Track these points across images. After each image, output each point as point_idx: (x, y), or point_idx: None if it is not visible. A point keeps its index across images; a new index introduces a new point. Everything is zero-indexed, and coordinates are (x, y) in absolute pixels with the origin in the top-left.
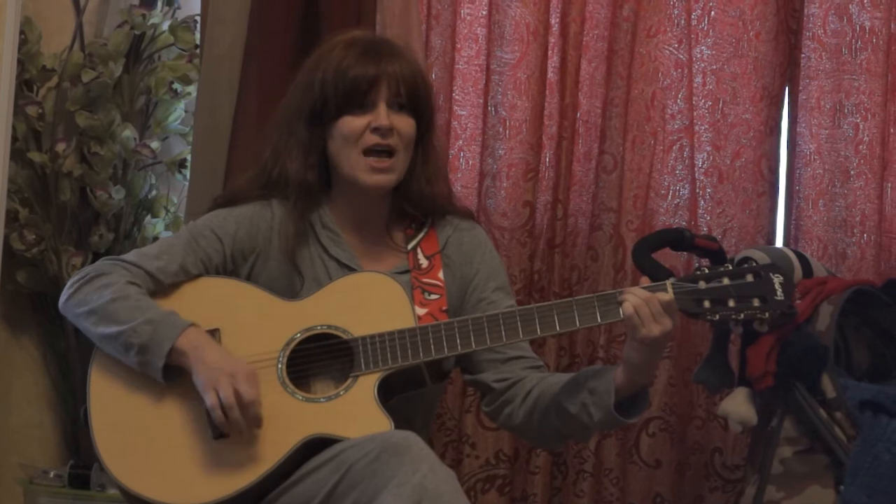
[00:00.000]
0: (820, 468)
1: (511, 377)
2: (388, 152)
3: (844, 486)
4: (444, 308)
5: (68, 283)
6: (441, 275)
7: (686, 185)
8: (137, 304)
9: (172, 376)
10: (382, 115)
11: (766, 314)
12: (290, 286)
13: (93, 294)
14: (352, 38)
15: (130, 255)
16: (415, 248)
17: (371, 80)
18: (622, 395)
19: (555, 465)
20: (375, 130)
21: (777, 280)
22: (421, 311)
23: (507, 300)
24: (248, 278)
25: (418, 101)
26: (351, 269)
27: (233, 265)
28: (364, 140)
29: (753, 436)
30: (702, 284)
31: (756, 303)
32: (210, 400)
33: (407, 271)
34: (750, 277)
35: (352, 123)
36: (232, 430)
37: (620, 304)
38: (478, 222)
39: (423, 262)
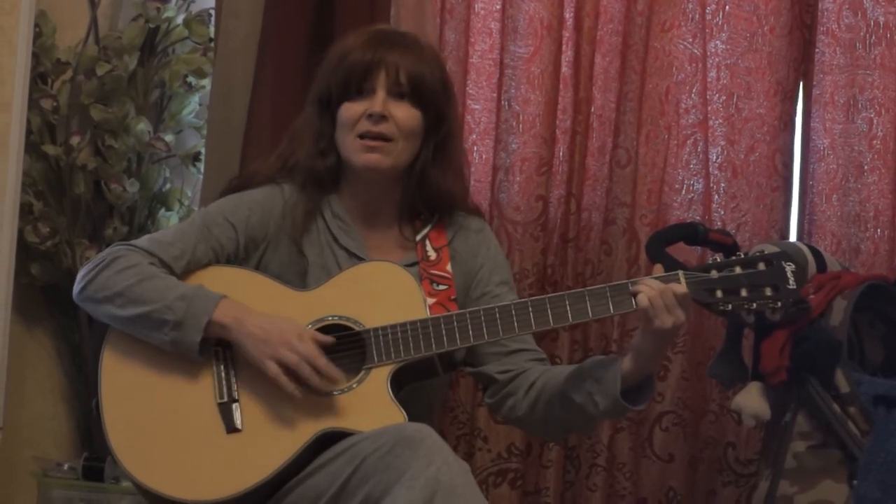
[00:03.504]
0: (833, 463)
1: (514, 369)
2: (383, 139)
3: (858, 480)
4: (452, 297)
5: (82, 272)
6: (449, 267)
7: (700, 180)
8: (165, 283)
9: (205, 352)
10: (378, 102)
11: (779, 303)
12: (301, 273)
13: (114, 277)
14: (367, 28)
15: (143, 242)
16: (423, 240)
17: (367, 66)
18: (628, 382)
19: (567, 458)
20: (369, 117)
21: (789, 269)
22: (430, 300)
23: (510, 295)
24: (259, 264)
25: (421, 91)
26: (360, 259)
27: (244, 253)
28: (359, 126)
29: (767, 430)
30: (714, 274)
31: (768, 292)
32: (272, 370)
33: (415, 263)
34: (762, 266)
35: (350, 110)
36: (308, 386)
37: (634, 295)
38: (487, 222)
39: (432, 254)
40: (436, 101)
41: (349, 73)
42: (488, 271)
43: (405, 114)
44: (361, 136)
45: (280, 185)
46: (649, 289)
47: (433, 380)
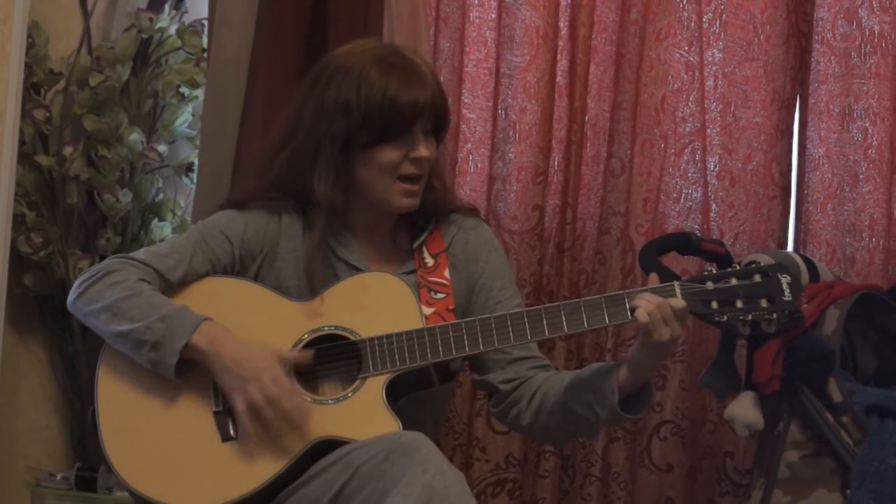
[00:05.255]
0: (826, 472)
1: (517, 378)
2: (420, 179)
3: (851, 490)
4: (450, 307)
5: (77, 281)
6: (447, 273)
7: (698, 189)
8: (150, 301)
9: (183, 373)
10: (421, 147)
11: (774, 315)
12: (298, 287)
13: (104, 291)
14: (381, 55)
15: (140, 254)
16: (420, 248)
17: (419, 111)
18: (626, 391)
19: (563, 468)
20: (414, 161)
21: (785, 280)
22: (428, 310)
23: (514, 298)
24: (256, 279)
25: (443, 127)
26: (358, 270)
27: (241, 266)
28: (401, 169)
29: (760, 440)
30: (709, 285)
31: (764, 303)
32: (239, 408)
33: (413, 271)
34: (758, 278)
35: (390, 154)
36: (265, 428)
37: (632, 310)
38: (482, 219)
39: (429, 261)
40: (447, 130)
41: (400, 118)
42: (490, 276)
43: (432, 149)
44: (401, 178)
45: (277, 208)
46: (647, 303)
47: (431, 391)
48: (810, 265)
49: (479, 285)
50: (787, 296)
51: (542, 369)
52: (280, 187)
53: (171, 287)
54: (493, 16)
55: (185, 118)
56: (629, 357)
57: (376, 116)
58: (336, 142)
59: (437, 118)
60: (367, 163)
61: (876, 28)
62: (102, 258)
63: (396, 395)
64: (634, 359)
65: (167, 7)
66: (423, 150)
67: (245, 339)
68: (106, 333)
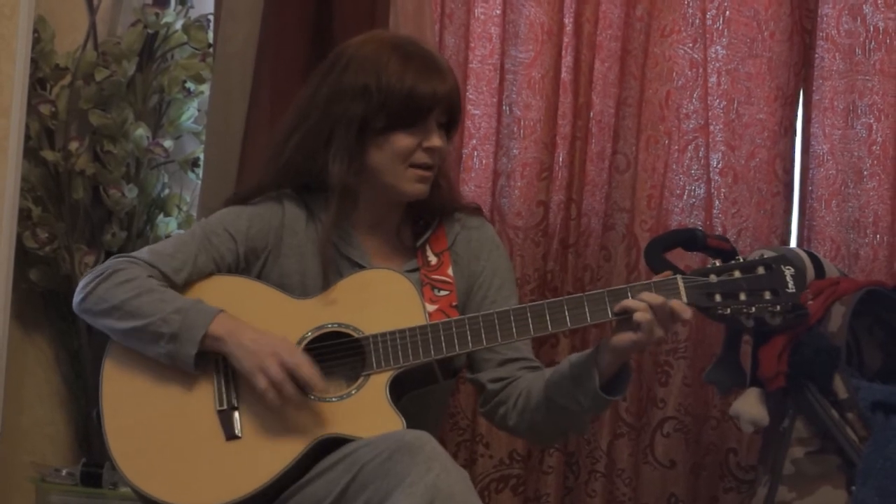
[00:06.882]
0: (832, 469)
1: (507, 377)
2: (432, 168)
3: (856, 486)
4: (453, 304)
5: (82, 283)
6: (450, 271)
7: (702, 185)
8: (163, 296)
9: (199, 365)
10: (435, 137)
11: (778, 307)
12: (303, 283)
13: (113, 290)
14: (399, 44)
15: (144, 254)
16: (423, 246)
17: (438, 100)
18: (606, 376)
19: (567, 465)
20: (427, 150)
21: (788, 272)
22: (431, 307)
23: (511, 299)
24: (260, 276)
25: (456, 121)
26: (362, 267)
27: (245, 263)
28: (413, 157)
29: (765, 436)
30: (712, 278)
31: (767, 296)
32: (261, 383)
33: (416, 269)
34: (761, 270)
35: (404, 141)
36: (289, 403)
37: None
38: (486, 218)
39: (433, 259)
40: (458, 126)
41: (418, 106)
42: (489, 275)
43: (443, 141)
44: (413, 165)
45: (280, 199)
46: (644, 314)
47: (434, 387)
48: (816, 261)
49: (477, 284)
50: (791, 288)
51: (531, 370)
52: (290, 171)
53: (175, 288)
54: (498, 12)
55: (190, 113)
56: (612, 346)
57: (395, 102)
58: (352, 125)
59: (451, 112)
60: (382, 147)
61: (881, 24)
62: (108, 253)
63: (400, 392)
64: (617, 347)
65: (173, 2)
66: (436, 140)
67: (262, 327)
68: (117, 331)
